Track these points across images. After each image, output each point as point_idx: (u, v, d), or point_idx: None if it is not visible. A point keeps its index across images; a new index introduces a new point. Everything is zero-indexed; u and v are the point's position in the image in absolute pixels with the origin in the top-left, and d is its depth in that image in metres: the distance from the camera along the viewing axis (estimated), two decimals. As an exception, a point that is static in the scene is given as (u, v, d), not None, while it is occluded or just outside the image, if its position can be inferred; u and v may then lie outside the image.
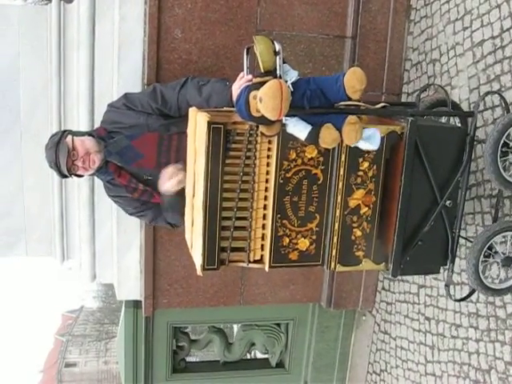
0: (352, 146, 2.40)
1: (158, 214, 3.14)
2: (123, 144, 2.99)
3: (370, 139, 2.37)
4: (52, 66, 3.56)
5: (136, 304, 4.14)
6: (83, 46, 3.50)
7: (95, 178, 3.46)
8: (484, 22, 3.25)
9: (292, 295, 4.21)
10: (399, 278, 3.95)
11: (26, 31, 3.55)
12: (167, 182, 2.89)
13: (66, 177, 2.99)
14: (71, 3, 3.58)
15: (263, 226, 2.47)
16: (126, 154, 3.00)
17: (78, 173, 2.98)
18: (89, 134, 3.06)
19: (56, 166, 2.89)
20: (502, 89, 3.11)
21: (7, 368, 33.72)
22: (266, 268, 2.52)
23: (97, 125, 3.45)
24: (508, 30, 3.06)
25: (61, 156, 2.86)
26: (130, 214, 3.26)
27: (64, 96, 3.62)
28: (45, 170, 3.05)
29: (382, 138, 2.45)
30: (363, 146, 2.40)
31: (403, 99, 3.98)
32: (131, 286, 3.93)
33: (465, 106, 3.36)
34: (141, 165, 3.02)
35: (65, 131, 3.02)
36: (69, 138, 2.91)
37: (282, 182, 2.41)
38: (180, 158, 2.92)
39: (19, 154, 3.66)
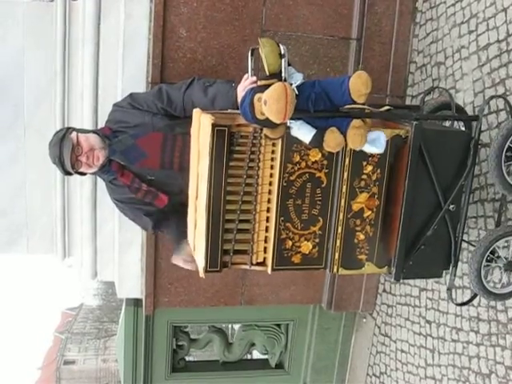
0: (357, 149, 2.39)
1: (163, 218, 3.14)
2: (128, 143, 2.97)
3: (375, 142, 2.36)
4: (56, 63, 3.56)
5: (136, 302, 4.14)
6: (88, 42, 3.50)
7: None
8: (490, 25, 3.24)
9: (293, 296, 4.20)
10: (401, 280, 3.95)
11: (31, 27, 3.55)
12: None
13: (69, 174, 2.96)
14: (77, 0, 3.57)
15: (266, 229, 2.47)
16: (130, 153, 2.98)
17: (82, 169, 2.95)
18: (94, 131, 3.05)
19: (60, 161, 2.86)
20: (507, 93, 3.09)
21: (6, 364, 33.88)
22: (269, 271, 2.51)
23: (100, 121, 3.46)
24: (514, 33, 3.06)
25: (65, 151, 2.83)
26: (133, 220, 3.25)
27: (68, 92, 3.62)
28: (47, 165, 3.04)
29: (387, 142, 2.44)
30: (368, 149, 2.38)
31: (407, 102, 3.96)
32: (132, 284, 3.94)
33: (469, 110, 3.34)
34: (144, 164, 3.01)
35: (69, 128, 3.01)
36: (73, 134, 2.89)
37: (285, 184, 2.41)
38: (183, 158, 2.91)
39: (22, 149, 3.65)
